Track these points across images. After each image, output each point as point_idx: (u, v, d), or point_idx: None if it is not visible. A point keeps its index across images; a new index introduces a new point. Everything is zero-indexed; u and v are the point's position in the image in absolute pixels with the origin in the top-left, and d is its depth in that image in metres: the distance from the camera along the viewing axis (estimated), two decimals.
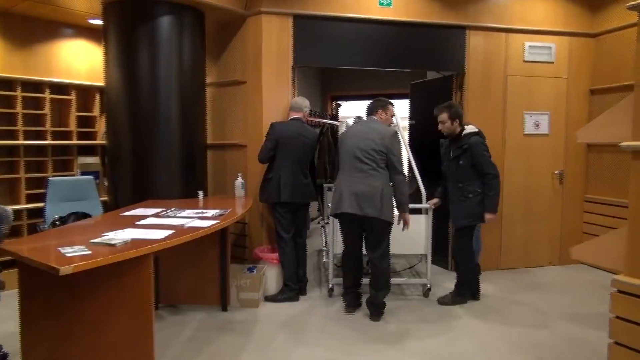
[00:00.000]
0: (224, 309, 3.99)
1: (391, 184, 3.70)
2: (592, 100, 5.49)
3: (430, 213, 4.32)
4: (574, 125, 5.32)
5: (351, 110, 10.28)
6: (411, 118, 6.08)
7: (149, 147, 4.28)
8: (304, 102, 4.32)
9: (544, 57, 5.35)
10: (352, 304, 4.00)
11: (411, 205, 3.92)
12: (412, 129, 6.04)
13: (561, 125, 5.41)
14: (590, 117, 5.49)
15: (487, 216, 3.95)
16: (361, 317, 3.87)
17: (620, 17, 5.15)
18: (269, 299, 4.22)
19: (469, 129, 4.04)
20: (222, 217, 3.32)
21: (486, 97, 5.21)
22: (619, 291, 2.26)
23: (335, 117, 8.45)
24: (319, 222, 7.87)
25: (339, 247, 4.15)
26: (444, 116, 4.05)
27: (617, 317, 2.26)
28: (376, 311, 3.82)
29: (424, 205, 4.37)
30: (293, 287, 4.20)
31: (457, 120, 4.04)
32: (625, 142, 2.22)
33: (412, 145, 5.67)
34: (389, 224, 3.70)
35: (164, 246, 2.50)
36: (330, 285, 4.34)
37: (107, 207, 4.48)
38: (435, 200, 4.33)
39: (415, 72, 6.19)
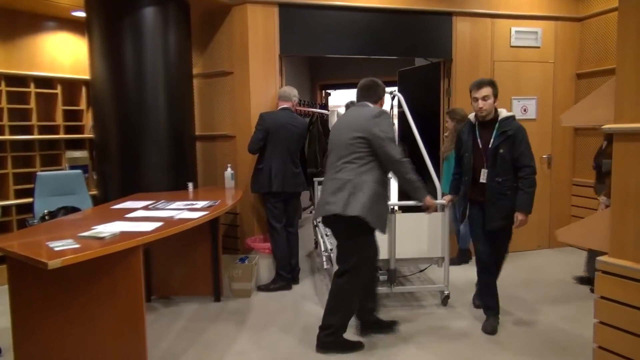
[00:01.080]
0: (217, 299, 4.00)
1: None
2: (579, 84, 5.53)
3: (447, 211, 3.79)
4: (561, 109, 5.35)
5: (341, 99, 10.30)
6: (399, 106, 6.08)
7: (136, 139, 4.27)
8: (292, 92, 4.31)
9: (530, 42, 5.37)
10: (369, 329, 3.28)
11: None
12: (401, 116, 6.04)
13: (548, 109, 5.45)
14: (577, 101, 5.53)
15: (520, 217, 3.17)
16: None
17: (604, 1, 5.18)
18: (261, 288, 4.24)
19: (504, 112, 3.29)
20: (211, 209, 3.33)
21: None
22: (604, 272, 2.29)
23: (325, 106, 8.45)
24: (311, 212, 7.90)
25: None
26: (487, 90, 3.19)
27: (602, 297, 2.30)
28: (321, 342, 3.08)
29: (440, 201, 3.72)
30: (285, 276, 4.22)
31: (497, 99, 3.28)
32: (607, 125, 2.25)
33: (401, 133, 5.69)
34: (355, 221, 2.83)
35: (152, 238, 2.50)
36: None
37: (96, 201, 4.46)
38: (450, 196, 3.67)
39: (404, 59, 6.20)
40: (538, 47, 5.39)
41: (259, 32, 4.61)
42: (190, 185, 4.38)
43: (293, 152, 4.23)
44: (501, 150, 3.17)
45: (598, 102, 2.35)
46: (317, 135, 6.91)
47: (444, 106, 5.33)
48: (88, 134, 5.18)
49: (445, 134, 4.91)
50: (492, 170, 3.21)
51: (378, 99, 3.15)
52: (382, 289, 3.68)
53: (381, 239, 3.27)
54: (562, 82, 5.48)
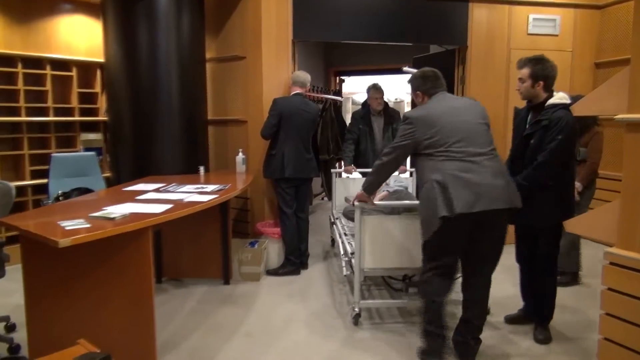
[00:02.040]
0: (226, 282, 4.06)
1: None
2: (597, 73, 5.42)
3: None
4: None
5: (354, 86, 10.23)
6: None
7: (149, 123, 4.31)
8: (306, 77, 4.29)
9: (548, 29, 5.26)
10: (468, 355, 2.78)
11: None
12: (415, 104, 6.01)
13: None
14: None
15: None
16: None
17: None
18: (270, 272, 4.28)
19: (558, 97, 2.84)
20: (221, 192, 3.36)
21: (489, 71, 5.16)
22: (611, 263, 2.27)
23: (338, 92, 8.42)
24: (322, 198, 7.93)
25: (368, 259, 3.13)
26: (524, 72, 2.88)
27: (609, 289, 2.28)
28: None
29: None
30: (294, 261, 4.26)
31: (542, 82, 2.85)
32: (620, 115, 2.20)
33: None
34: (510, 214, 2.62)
35: (161, 220, 2.54)
36: (357, 310, 3.27)
37: (109, 182, 4.53)
38: None
39: (418, 46, 6.14)
40: (556, 35, 5.29)
41: (272, 16, 4.60)
42: (202, 169, 4.41)
43: (306, 138, 4.24)
44: (532, 141, 2.83)
45: (611, 92, 2.31)
46: (329, 122, 6.92)
47: (457, 94, 5.27)
48: (102, 117, 5.24)
49: None
50: (520, 160, 2.89)
51: None
52: (410, 302, 3.34)
53: (411, 244, 3.04)
54: (580, 71, 5.37)
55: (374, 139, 4.88)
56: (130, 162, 4.38)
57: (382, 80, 5.93)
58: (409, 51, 6.67)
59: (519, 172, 2.85)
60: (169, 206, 2.78)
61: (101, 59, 4.69)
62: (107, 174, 4.73)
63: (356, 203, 3.03)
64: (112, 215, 2.46)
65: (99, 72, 5.22)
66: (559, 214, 2.81)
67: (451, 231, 2.50)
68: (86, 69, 5.24)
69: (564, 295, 3.13)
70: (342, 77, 9.24)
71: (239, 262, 4.18)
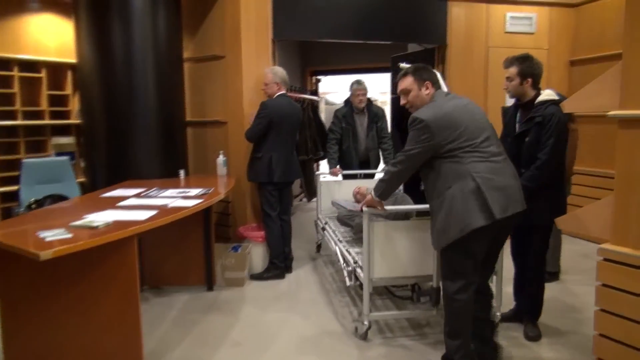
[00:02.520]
0: (210, 288, 3.94)
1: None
2: (573, 71, 5.52)
3: None
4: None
5: (329, 86, 10.17)
6: (393, 92, 6.03)
7: (126, 125, 4.16)
8: (286, 75, 4.20)
9: (525, 27, 5.34)
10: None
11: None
12: (394, 103, 6.00)
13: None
14: (571, 88, 5.52)
15: None
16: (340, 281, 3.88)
17: None
18: (255, 277, 4.19)
19: (547, 94, 2.86)
20: (206, 196, 3.25)
21: (468, 69, 5.19)
22: (605, 259, 2.28)
23: (315, 92, 8.36)
24: (301, 199, 7.85)
25: (378, 268, 2.92)
26: (512, 70, 2.88)
27: (603, 285, 2.29)
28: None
29: None
30: (279, 265, 4.17)
31: (530, 80, 2.87)
32: (613, 111, 2.21)
33: (394, 119, 5.65)
34: None
35: (147, 227, 2.43)
36: (366, 324, 3.02)
37: (84, 188, 4.36)
38: None
39: (396, 45, 6.13)
40: (532, 34, 5.36)
41: (252, 15, 4.50)
42: (182, 172, 4.29)
43: (292, 141, 4.17)
44: (527, 138, 2.82)
45: (602, 89, 2.32)
46: (307, 122, 6.83)
47: None
48: (75, 120, 5.05)
49: None
50: (515, 160, 2.72)
51: None
52: (421, 312, 3.24)
53: (422, 251, 2.91)
54: (556, 68, 5.45)
55: (357, 138, 4.74)
56: (106, 167, 4.22)
57: (370, 79, 5.83)
58: (386, 50, 6.65)
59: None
60: (153, 212, 2.67)
61: (72, 60, 4.51)
62: (81, 179, 4.54)
63: (365, 209, 2.82)
64: (94, 224, 2.34)
65: (70, 73, 5.02)
66: (554, 212, 2.79)
67: (481, 241, 2.37)
68: (56, 70, 5.04)
69: (547, 292, 3.14)
70: (319, 77, 9.18)
71: (222, 268, 4.07)
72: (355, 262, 3.21)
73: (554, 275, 4.03)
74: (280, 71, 4.13)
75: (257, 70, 4.54)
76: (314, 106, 7.28)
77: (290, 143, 4.15)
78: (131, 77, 4.14)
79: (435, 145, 2.37)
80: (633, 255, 2.16)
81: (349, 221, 3.98)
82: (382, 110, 4.89)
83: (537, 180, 2.76)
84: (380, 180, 2.72)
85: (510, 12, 5.25)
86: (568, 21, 5.45)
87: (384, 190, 2.69)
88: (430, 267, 2.92)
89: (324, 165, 8.48)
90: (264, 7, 4.53)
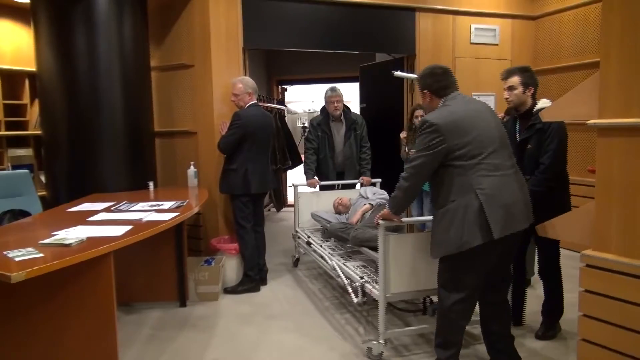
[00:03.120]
0: (183, 304, 3.80)
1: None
2: None
3: None
4: None
5: (298, 95, 10.14)
6: (361, 101, 6.06)
7: (91, 136, 3.98)
8: (255, 84, 4.12)
9: (488, 39, 5.48)
10: None
11: None
12: (363, 112, 6.02)
13: (505, 106, 5.55)
14: None
15: None
16: (328, 298, 3.83)
17: (557, 0, 5.36)
18: (228, 290, 4.07)
19: (543, 102, 2.96)
20: (181, 209, 3.13)
21: None
22: (587, 265, 2.32)
23: (281, 101, 8.31)
24: (269, 210, 7.75)
25: (394, 283, 2.80)
26: (514, 80, 2.94)
27: (586, 291, 2.33)
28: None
29: None
30: (254, 277, 4.08)
31: (532, 89, 2.95)
32: (592, 120, 2.27)
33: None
34: None
35: (124, 243, 2.30)
36: (382, 342, 2.86)
37: (46, 203, 4.12)
38: None
39: (363, 54, 6.17)
40: (496, 45, 5.51)
41: (221, 23, 4.41)
42: (151, 184, 4.14)
43: (267, 151, 4.09)
44: (529, 146, 2.90)
45: (580, 98, 2.37)
46: (275, 132, 6.76)
47: (406, 102, 5.33)
48: (33, 131, 4.80)
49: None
50: (519, 167, 2.71)
51: None
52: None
53: (435, 264, 2.72)
54: None
55: (333, 147, 4.63)
56: (69, 180, 4.01)
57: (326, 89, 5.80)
58: (354, 59, 6.70)
59: None
60: (128, 227, 2.54)
61: (30, 68, 4.29)
62: (42, 193, 4.30)
63: (380, 222, 2.70)
64: (67, 242, 2.19)
65: (27, 82, 4.78)
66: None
67: (481, 257, 2.32)
68: (12, 78, 4.78)
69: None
70: (285, 86, 9.13)
71: (195, 282, 3.93)
72: (362, 278, 3.10)
73: (526, 282, 4.09)
74: (250, 81, 4.08)
75: (227, 79, 4.44)
76: (281, 115, 7.23)
77: (265, 153, 4.07)
78: (96, 86, 3.97)
79: (446, 150, 2.29)
80: (615, 261, 2.21)
81: (342, 234, 3.73)
82: (361, 118, 4.78)
83: (543, 184, 2.82)
84: (394, 197, 2.60)
85: (475, 24, 5.37)
86: (528, 33, 5.64)
87: (399, 204, 2.60)
88: None
89: (294, 176, 8.44)
90: (233, 15, 4.45)
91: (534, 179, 2.84)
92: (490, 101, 5.47)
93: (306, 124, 12.46)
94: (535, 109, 2.94)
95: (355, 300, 3.12)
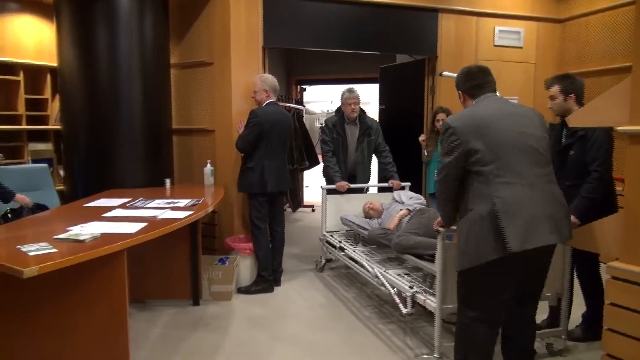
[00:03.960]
0: (196, 303, 3.78)
1: None
2: None
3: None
4: (541, 111, 5.20)
5: (317, 95, 10.10)
6: (381, 103, 5.99)
7: (109, 132, 4.00)
8: (277, 83, 4.08)
9: (513, 41, 5.36)
10: None
11: None
12: (382, 114, 5.95)
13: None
14: None
15: (572, 219, 2.63)
16: (331, 301, 3.76)
17: (585, 3, 5.22)
18: (242, 290, 4.04)
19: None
20: (196, 207, 3.11)
21: None
22: (614, 277, 2.23)
23: (299, 101, 8.28)
24: (285, 210, 7.72)
25: (452, 295, 2.56)
26: (554, 89, 2.99)
27: (612, 304, 2.24)
28: None
29: None
30: (267, 278, 4.04)
31: (574, 95, 2.95)
32: (623, 127, 2.18)
33: (383, 130, 5.58)
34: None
35: (138, 241, 2.28)
36: (438, 357, 2.73)
37: (64, 197, 4.15)
38: None
39: (383, 55, 6.10)
40: (520, 47, 5.39)
41: (242, 21, 4.39)
42: (168, 181, 4.13)
43: (284, 150, 4.05)
44: (572, 152, 2.89)
45: (610, 103, 2.28)
46: (293, 132, 6.74)
47: (427, 104, 5.25)
48: (53, 125, 4.84)
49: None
50: (560, 173, 2.68)
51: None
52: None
53: None
54: (542, 83, 5.46)
55: (346, 150, 4.50)
56: (87, 175, 4.04)
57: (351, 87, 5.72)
58: (374, 60, 6.63)
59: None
60: (143, 224, 2.52)
61: (52, 63, 4.32)
62: (60, 187, 4.33)
63: (440, 229, 2.54)
64: (81, 237, 2.18)
65: (49, 77, 4.82)
66: None
67: (499, 275, 2.16)
68: (35, 73, 4.82)
69: None
70: (303, 86, 9.10)
71: (208, 281, 3.91)
72: (412, 288, 2.99)
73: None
74: (269, 78, 4.04)
75: (246, 78, 4.42)
76: (299, 115, 7.20)
77: (281, 152, 4.03)
78: (116, 82, 3.98)
79: (464, 154, 2.17)
80: None
81: (383, 240, 3.60)
82: (377, 123, 4.64)
83: (597, 191, 2.76)
84: (439, 207, 2.53)
85: (499, 26, 5.27)
86: (554, 36, 5.50)
87: (444, 215, 2.46)
88: None
89: (311, 176, 8.40)
90: (254, 14, 4.42)
91: (587, 186, 2.78)
92: None
93: (322, 125, 12.41)
94: None
95: (404, 311, 2.97)
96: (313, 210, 7.63)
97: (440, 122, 4.32)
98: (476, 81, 2.38)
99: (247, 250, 4.13)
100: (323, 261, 4.58)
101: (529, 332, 2.48)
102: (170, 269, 3.78)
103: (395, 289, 3.12)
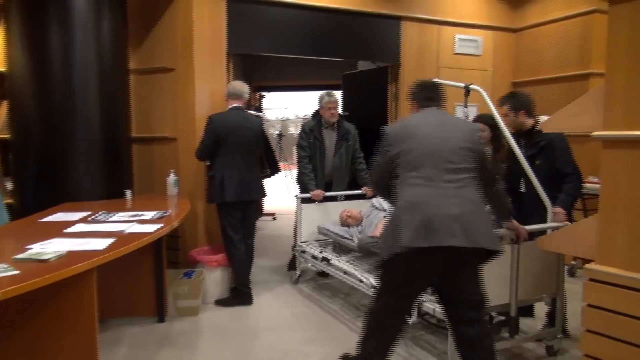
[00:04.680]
0: (161, 320, 3.60)
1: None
2: None
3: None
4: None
5: (276, 102, 10.01)
6: (344, 109, 5.98)
7: (64, 141, 3.76)
8: (244, 88, 3.95)
9: (471, 49, 5.50)
10: None
11: (538, 226, 2.89)
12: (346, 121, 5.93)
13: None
14: None
15: (557, 209, 2.95)
16: (317, 313, 3.69)
17: (538, 13, 5.43)
18: (220, 302, 3.91)
19: (540, 120, 3.18)
20: (164, 220, 2.96)
21: None
22: (591, 279, 2.28)
23: (259, 108, 8.17)
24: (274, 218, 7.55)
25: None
26: (504, 109, 3.24)
27: (589, 305, 2.28)
28: None
29: (551, 224, 2.94)
30: (243, 290, 3.91)
31: (524, 110, 3.17)
32: (597, 132, 2.23)
33: None
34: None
35: (109, 257, 2.13)
36: None
37: (13, 212, 3.85)
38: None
39: (344, 62, 6.10)
40: (479, 55, 5.54)
41: (206, 26, 4.26)
42: (129, 193, 3.93)
43: (249, 157, 3.88)
44: (537, 162, 3.05)
45: (584, 109, 2.34)
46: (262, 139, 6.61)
47: (391, 111, 5.28)
48: (0, 134, 4.50)
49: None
50: (527, 181, 3.00)
51: (445, 103, 2.60)
52: (502, 344, 2.85)
53: (498, 277, 2.68)
54: (500, 90, 5.59)
55: (324, 155, 4.38)
56: (39, 188, 3.76)
57: (305, 96, 5.71)
58: (334, 67, 6.63)
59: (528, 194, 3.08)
60: (111, 240, 2.36)
61: None
62: (8, 201, 4.02)
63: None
64: (44, 257, 2.00)
65: None
66: None
67: (396, 270, 2.27)
68: None
69: None
70: (262, 93, 8.99)
71: (174, 296, 3.74)
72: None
73: None
74: (231, 85, 3.99)
75: (210, 84, 4.30)
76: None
77: (246, 159, 3.86)
78: (70, 88, 3.75)
79: (392, 156, 2.35)
80: (620, 275, 2.17)
81: (375, 249, 3.49)
82: (354, 128, 4.54)
83: (579, 188, 3.08)
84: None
85: (459, 34, 5.38)
86: (510, 45, 5.69)
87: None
88: (505, 295, 2.77)
89: (271, 185, 8.22)
90: (218, 19, 4.30)
91: (571, 185, 3.02)
92: (473, 112, 5.46)
93: (280, 132, 12.28)
94: (537, 127, 3.15)
95: (410, 321, 2.90)
96: (274, 219, 7.51)
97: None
98: (426, 94, 2.53)
99: (214, 262, 3.98)
100: (298, 272, 4.46)
101: (489, 354, 2.34)
102: (133, 284, 3.59)
103: None
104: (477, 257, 2.28)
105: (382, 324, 2.37)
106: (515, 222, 2.65)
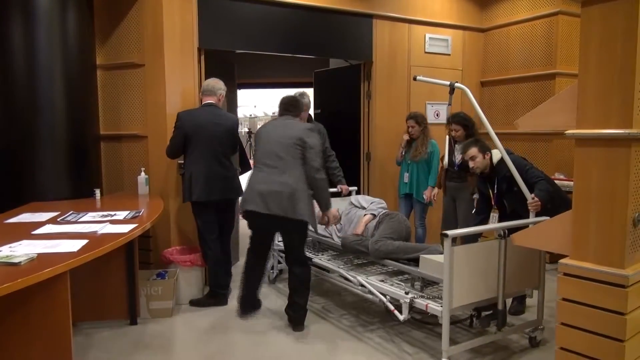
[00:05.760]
0: (133, 322, 3.51)
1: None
2: (483, 92, 5.86)
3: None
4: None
5: (247, 99, 9.91)
6: (316, 107, 5.97)
7: (28, 139, 3.64)
8: (218, 84, 3.88)
9: (442, 48, 5.56)
10: (247, 310, 3.64)
11: (520, 221, 3.10)
12: (318, 118, 5.91)
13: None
14: (481, 107, 5.79)
15: (535, 197, 3.15)
16: (309, 314, 3.63)
17: (505, 14, 5.55)
18: (194, 302, 3.85)
19: (495, 154, 3.42)
20: (137, 219, 2.88)
21: (392, 86, 5.27)
22: (565, 274, 2.34)
23: None
24: None
25: (458, 296, 2.76)
26: (473, 151, 3.42)
27: (564, 299, 2.34)
28: (298, 319, 3.41)
29: (534, 220, 3.09)
30: (218, 292, 3.86)
31: (488, 152, 3.44)
32: (570, 130, 2.29)
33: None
34: (303, 224, 3.29)
35: (83, 260, 2.05)
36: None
37: None
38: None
39: (316, 60, 6.09)
40: (448, 55, 5.61)
41: (176, 21, 4.15)
42: (98, 192, 3.80)
43: (220, 154, 3.77)
44: (515, 189, 3.23)
45: (557, 108, 2.40)
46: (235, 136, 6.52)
47: (363, 108, 5.29)
48: None
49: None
50: (520, 204, 3.26)
51: (299, 113, 3.64)
52: (489, 337, 3.04)
53: (486, 272, 2.87)
54: (469, 88, 5.71)
55: None
56: (3, 187, 3.62)
57: (274, 94, 5.65)
58: (305, 65, 6.60)
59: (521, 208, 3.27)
60: (84, 241, 2.28)
61: None
62: None
63: (450, 233, 2.71)
64: (14, 260, 1.91)
65: None
66: None
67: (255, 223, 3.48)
68: None
69: None
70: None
71: (146, 298, 3.65)
72: (407, 293, 2.99)
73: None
74: (205, 82, 3.96)
75: (181, 80, 4.20)
76: None
77: (217, 157, 3.76)
78: (34, 84, 3.63)
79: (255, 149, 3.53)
80: (593, 269, 2.23)
81: (359, 247, 3.59)
82: (323, 128, 4.52)
83: (545, 185, 3.23)
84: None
85: (429, 34, 5.44)
86: (478, 44, 5.79)
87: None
88: (494, 289, 2.90)
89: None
90: (188, 13, 4.20)
91: (537, 186, 3.22)
92: (443, 110, 5.55)
93: (249, 130, 12.18)
94: (496, 162, 3.43)
95: (401, 317, 2.96)
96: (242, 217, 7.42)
97: (415, 128, 4.61)
98: (282, 107, 3.56)
99: (188, 262, 3.91)
100: (275, 272, 4.42)
101: (259, 273, 3.61)
102: (104, 286, 3.48)
103: (387, 297, 3.09)
104: (291, 225, 3.29)
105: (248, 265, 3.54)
106: (328, 212, 3.48)
